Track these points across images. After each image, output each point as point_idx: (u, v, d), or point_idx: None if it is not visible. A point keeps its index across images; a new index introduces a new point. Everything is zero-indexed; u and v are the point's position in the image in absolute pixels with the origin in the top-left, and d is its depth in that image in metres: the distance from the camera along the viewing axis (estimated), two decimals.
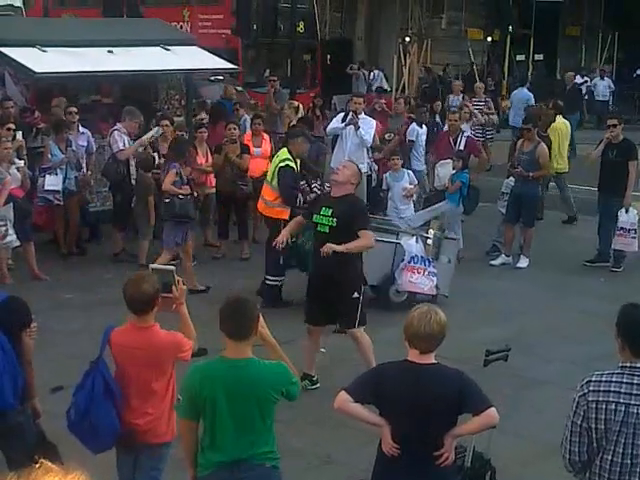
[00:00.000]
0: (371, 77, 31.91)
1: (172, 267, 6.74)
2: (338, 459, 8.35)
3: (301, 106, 17.43)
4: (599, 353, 11.00)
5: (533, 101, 24.43)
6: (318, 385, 9.88)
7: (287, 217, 12.07)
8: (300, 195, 12.65)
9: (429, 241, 12.57)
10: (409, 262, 12.14)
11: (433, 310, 5.64)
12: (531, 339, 11.35)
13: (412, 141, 16.69)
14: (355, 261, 9.51)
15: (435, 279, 12.23)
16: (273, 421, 5.72)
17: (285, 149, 12.61)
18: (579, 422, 5.09)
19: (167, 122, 14.87)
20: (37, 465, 2.28)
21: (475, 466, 7.53)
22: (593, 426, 5.06)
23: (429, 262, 12.23)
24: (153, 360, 6.26)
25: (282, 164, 12.35)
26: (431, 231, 12.74)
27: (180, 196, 12.62)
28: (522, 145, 15.03)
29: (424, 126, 16.96)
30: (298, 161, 12.59)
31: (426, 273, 12.13)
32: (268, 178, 12.69)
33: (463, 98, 21.83)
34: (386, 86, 30.72)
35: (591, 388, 5.07)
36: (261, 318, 5.72)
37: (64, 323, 10.75)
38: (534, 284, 13.81)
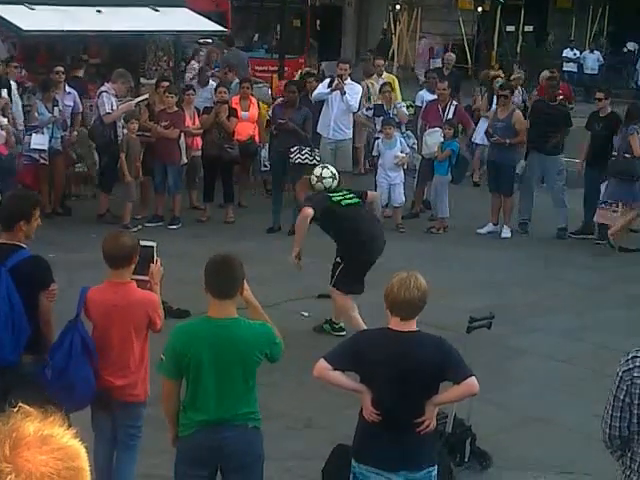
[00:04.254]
0: None
1: (154, 243, 6.69)
2: (319, 423, 8.37)
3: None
4: (582, 324, 11.12)
5: None
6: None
7: None
8: None
9: None
10: None
11: (413, 276, 5.61)
12: (515, 308, 11.37)
13: (419, 107, 16.65)
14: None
15: None
16: (255, 382, 5.72)
17: None
18: (622, 397, 4.95)
19: (167, 83, 14.89)
20: (15, 409, 2.27)
21: (456, 432, 7.60)
22: (636, 402, 4.97)
23: None
24: (129, 316, 6.29)
25: None
26: None
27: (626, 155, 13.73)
28: (496, 112, 15.03)
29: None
30: None
31: None
32: None
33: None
34: None
35: (637, 364, 4.92)
36: (244, 281, 5.71)
37: None
38: (519, 254, 13.84)
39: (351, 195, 10.13)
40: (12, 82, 13.96)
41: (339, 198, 10.01)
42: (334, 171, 10.45)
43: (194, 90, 15.47)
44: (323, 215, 9.85)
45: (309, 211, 9.72)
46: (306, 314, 10.61)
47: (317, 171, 10.39)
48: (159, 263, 6.57)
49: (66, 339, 6.27)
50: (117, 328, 6.31)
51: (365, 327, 9.49)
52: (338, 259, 10.08)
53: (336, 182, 10.32)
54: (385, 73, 18.71)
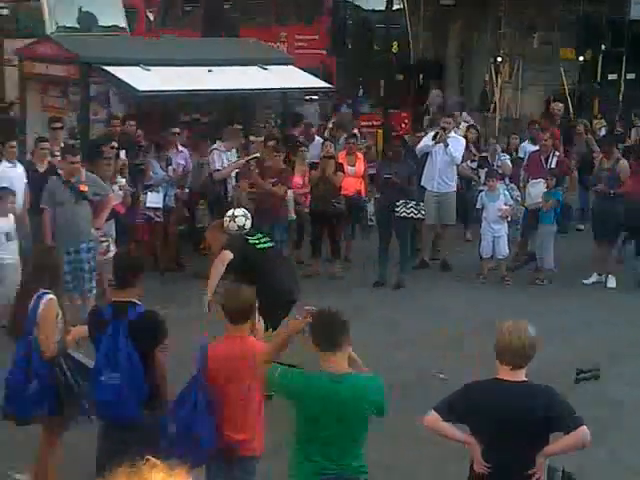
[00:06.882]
0: None
1: None
2: (422, 476, 8.36)
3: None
4: None
5: None
6: None
7: None
8: None
9: None
10: None
11: (524, 324, 5.62)
12: (620, 359, 11.21)
13: (521, 158, 16.76)
14: None
15: None
16: (365, 436, 5.76)
17: None
18: None
19: (273, 142, 15.09)
20: (144, 462, 2.51)
21: None
22: None
23: None
24: (249, 369, 6.26)
25: None
26: None
27: None
28: (601, 161, 15.00)
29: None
30: None
31: None
32: None
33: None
34: None
35: None
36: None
37: None
38: (624, 303, 13.72)
39: (265, 239, 10.42)
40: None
41: (255, 242, 10.22)
42: (245, 211, 10.49)
43: (306, 146, 15.82)
44: (242, 259, 9.91)
45: (227, 255, 9.85)
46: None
47: (229, 212, 10.42)
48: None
49: (191, 394, 6.35)
50: (237, 382, 6.34)
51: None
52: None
53: (249, 222, 10.27)
54: (464, 124, 19.11)
